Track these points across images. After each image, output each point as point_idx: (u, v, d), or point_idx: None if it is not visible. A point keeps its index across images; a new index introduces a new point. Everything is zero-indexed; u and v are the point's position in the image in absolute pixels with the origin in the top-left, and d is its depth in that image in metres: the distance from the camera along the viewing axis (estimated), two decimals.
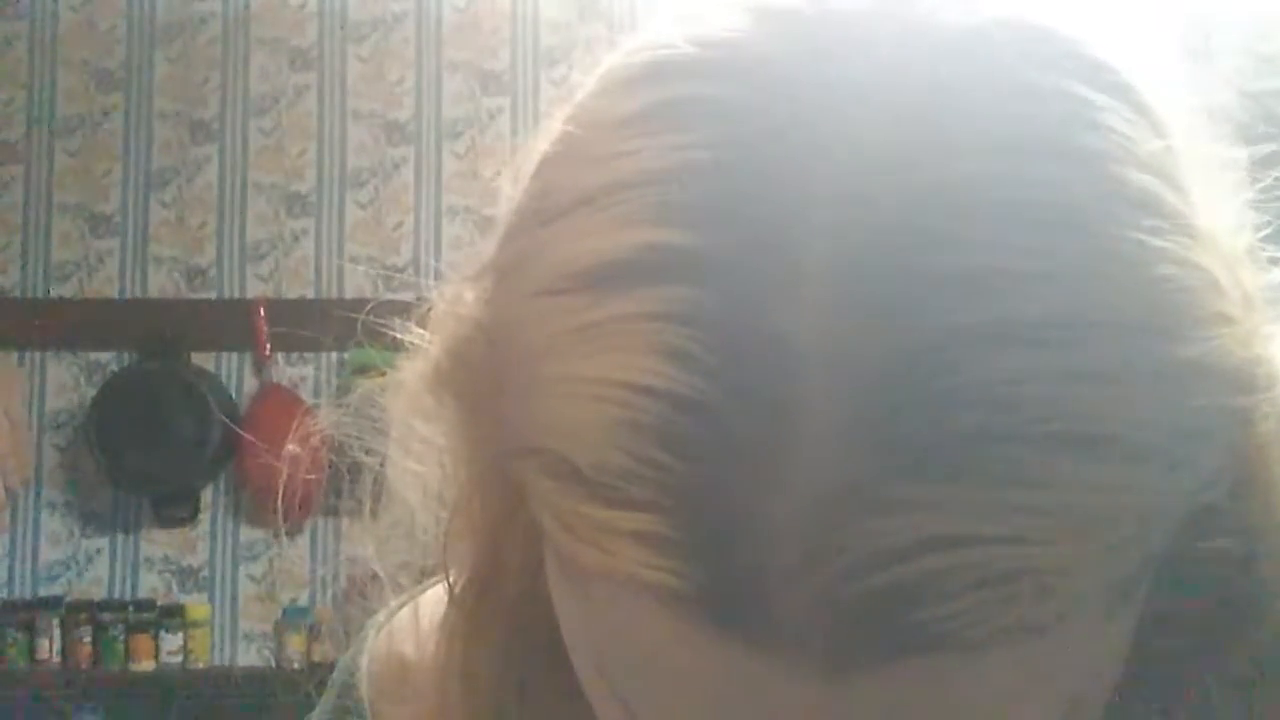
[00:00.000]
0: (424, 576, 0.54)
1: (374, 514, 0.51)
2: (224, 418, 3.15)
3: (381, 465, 0.49)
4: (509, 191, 0.41)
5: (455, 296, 0.44)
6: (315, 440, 0.52)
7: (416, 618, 0.56)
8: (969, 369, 0.32)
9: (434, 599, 0.54)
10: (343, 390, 3.18)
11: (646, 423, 0.33)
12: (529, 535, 0.41)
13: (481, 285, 0.42)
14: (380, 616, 0.58)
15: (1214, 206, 0.38)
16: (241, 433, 3.06)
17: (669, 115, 0.36)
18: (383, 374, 0.48)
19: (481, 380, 0.41)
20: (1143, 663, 0.40)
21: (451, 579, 0.49)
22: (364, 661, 0.58)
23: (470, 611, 0.48)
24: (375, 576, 0.55)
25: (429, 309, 0.46)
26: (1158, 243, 0.34)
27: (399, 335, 0.47)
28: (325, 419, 0.51)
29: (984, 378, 0.32)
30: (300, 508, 0.52)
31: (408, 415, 0.47)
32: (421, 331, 0.46)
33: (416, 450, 0.48)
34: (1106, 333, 0.33)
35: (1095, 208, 0.34)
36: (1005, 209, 0.33)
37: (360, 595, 0.57)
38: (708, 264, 0.34)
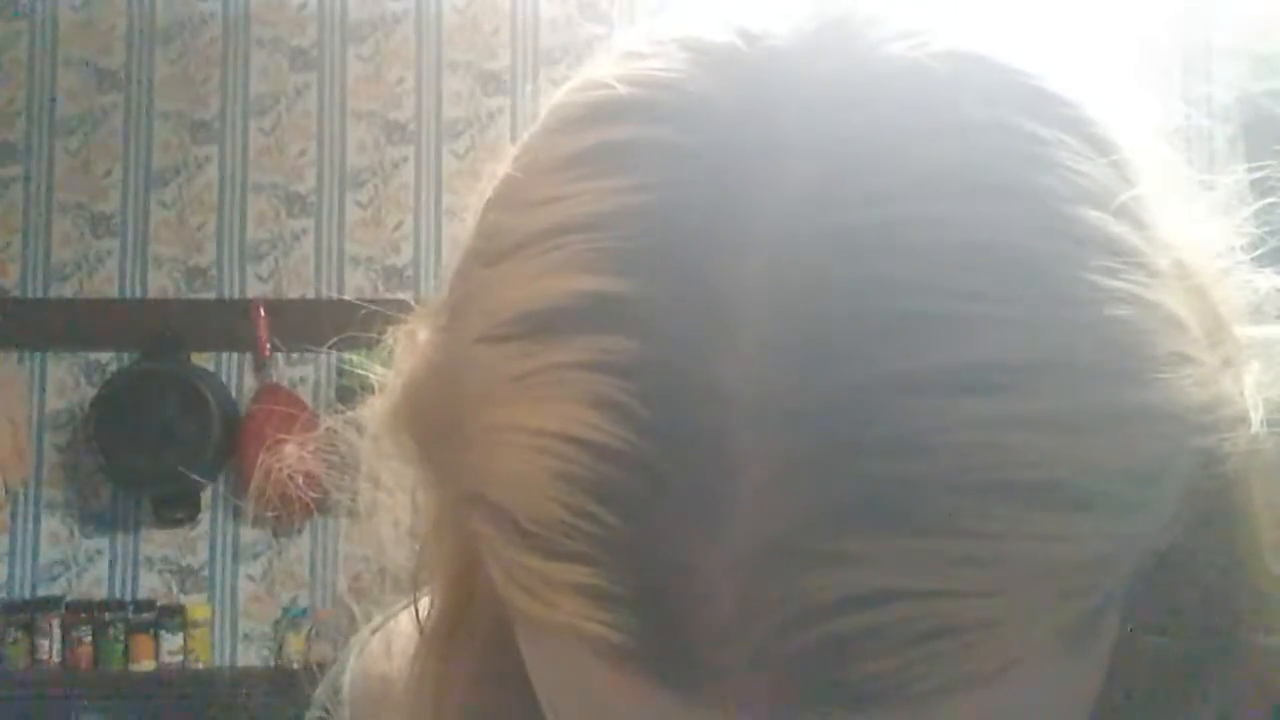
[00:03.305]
0: (403, 593, 0.54)
1: (349, 538, 0.50)
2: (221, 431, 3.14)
3: (353, 499, 0.48)
4: (468, 222, 0.41)
5: (411, 334, 0.44)
6: (297, 446, 0.52)
7: (389, 647, 0.56)
8: (905, 417, 0.31)
9: (405, 627, 0.54)
10: (344, 392, 3.17)
11: (581, 475, 0.33)
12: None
13: (435, 323, 0.41)
14: (361, 635, 0.58)
15: (1188, 231, 0.37)
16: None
17: (605, 159, 0.36)
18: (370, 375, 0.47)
19: (433, 424, 0.40)
20: (1122, 697, 0.39)
21: (422, 614, 0.49)
22: (344, 682, 0.58)
23: (441, 646, 0.48)
24: (365, 589, 0.55)
25: (390, 347, 0.45)
26: (1110, 283, 0.33)
27: (389, 346, 0.47)
28: (289, 454, 0.51)
29: (922, 426, 0.31)
30: (288, 506, 0.52)
31: (375, 455, 0.47)
32: (383, 370, 0.45)
33: (386, 484, 0.47)
34: (1052, 377, 0.32)
35: (1041, 248, 0.33)
36: (944, 251, 0.32)
37: (354, 597, 0.57)
38: (642, 313, 0.33)
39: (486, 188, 0.40)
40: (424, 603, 0.49)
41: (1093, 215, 0.34)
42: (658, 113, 0.35)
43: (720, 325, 0.32)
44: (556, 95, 0.40)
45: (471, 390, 0.37)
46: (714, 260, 0.33)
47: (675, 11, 0.39)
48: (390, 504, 0.48)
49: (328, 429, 0.49)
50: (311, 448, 0.50)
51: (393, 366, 0.45)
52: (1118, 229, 0.34)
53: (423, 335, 0.43)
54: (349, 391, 0.49)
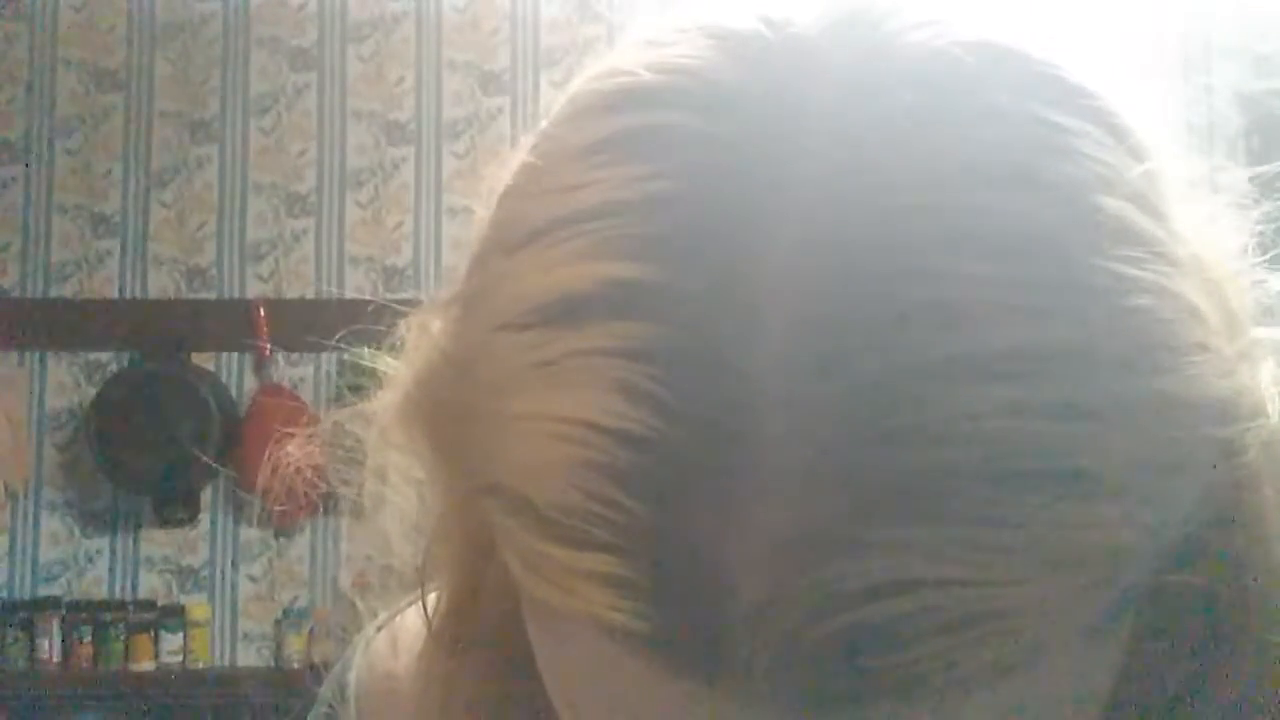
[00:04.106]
0: (407, 589, 0.54)
1: (352, 536, 0.50)
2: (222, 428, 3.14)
3: (358, 494, 0.48)
4: (480, 214, 0.41)
5: (424, 325, 0.43)
6: (304, 440, 0.52)
7: (395, 643, 0.56)
8: (932, 405, 0.31)
9: (411, 624, 0.54)
10: (346, 392, 3.17)
11: (604, 462, 0.33)
12: (507, 567, 0.40)
13: (449, 314, 0.41)
14: (366, 631, 0.58)
15: (1201, 228, 0.37)
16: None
17: (629, 145, 0.35)
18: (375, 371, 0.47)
19: (448, 414, 0.40)
20: (1131, 690, 0.39)
21: (429, 610, 0.48)
22: (350, 679, 0.58)
23: (448, 642, 0.48)
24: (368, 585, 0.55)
25: (400, 339, 0.45)
26: (1133, 272, 0.33)
27: (398, 339, 0.47)
28: (296, 449, 0.50)
29: (948, 414, 0.31)
30: (298, 509, 0.52)
31: (380, 447, 0.46)
32: (392, 361, 0.45)
33: (392, 479, 0.47)
34: (1076, 366, 0.32)
35: (1065, 237, 0.33)
36: (970, 239, 0.32)
37: (357, 593, 0.57)
38: (666, 299, 0.33)
39: (501, 178, 0.40)
40: (431, 598, 0.49)
41: (1116, 205, 0.34)
42: (682, 99, 0.35)
43: (746, 312, 0.32)
44: (575, 83, 0.39)
45: (489, 378, 0.36)
46: (739, 247, 0.33)
47: (682, 8, 0.38)
48: (397, 499, 0.47)
49: (335, 422, 0.49)
50: (318, 442, 0.50)
51: (402, 358, 0.44)
52: (1140, 219, 0.34)
53: (435, 326, 0.42)
54: (351, 391, 0.49)
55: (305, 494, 0.52)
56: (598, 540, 0.33)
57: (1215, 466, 0.35)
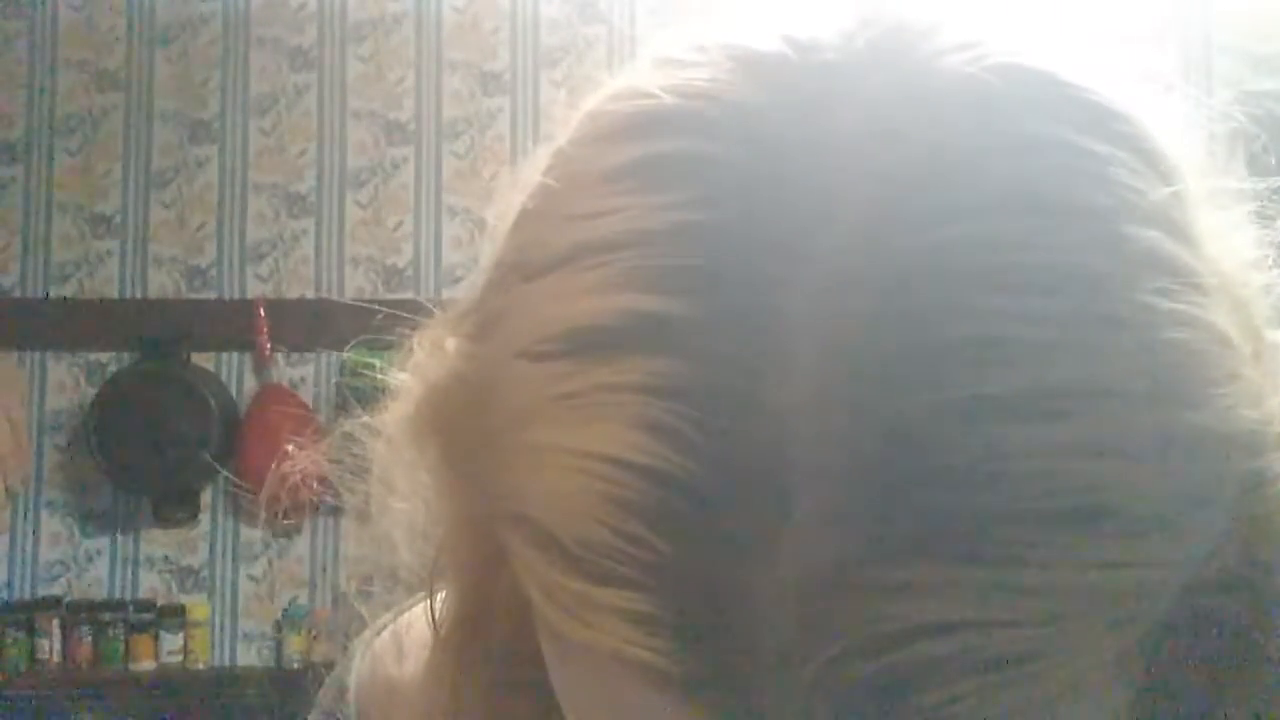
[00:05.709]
0: (409, 593, 0.53)
1: (354, 538, 0.50)
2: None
3: (365, 501, 0.48)
4: (491, 224, 0.40)
5: (436, 342, 0.43)
6: (310, 450, 0.51)
7: (400, 649, 0.55)
8: (964, 445, 0.31)
9: (417, 632, 0.53)
10: (343, 392, 3.16)
11: (630, 499, 0.32)
12: (517, 580, 0.39)
13: (463, 331, 0.40)
14: (365, 636, 0.57)
15: (1227, 246, 0.37)
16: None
17: (652, 172, 0.34)
18: (377, 376, 0.47)
19: (462, 435, 0.39)
20: (1150, 713, 0.39)
21: (437, 619, 0.48)
22: (350, 682, 0.57)
23: (456, 652, 0.47)
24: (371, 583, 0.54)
25: (409, 351, 0.44)
26: (1166, 304, 0.33)
27: (397, 337, 0.46)
28: (303, 459, 0.50)
29: (980, 454, 0.31)
30: (297, 509, 0.52)
31: (389, 459, 0.46)
32: (401, 374, 0.44)
33: (400, 488, 0.46)
34: (1109, 403, 0.32)
35: (1099, 270, 0.32)
36: (1002, 274, 0.32)
37: (359, 598, 0.57)
38: (693, 335, 0.32)
39: (513, 192, 0.39)
40: (437, 603, 0.48)
41: (1149, 235, 0.34)
42: (707, 126, 0.34)
43: (774, 348, 0.32)
44: (591, 102, 0.38)
45: (509, 406, 0.36)
46: (769, 281, 0.32)
47: (697, 22, 0.37)
48: (403, 506, 0.47)
49: (343, 434, 0.48)
50: (324, 450, 0.49)
51: (412, 372, 0.44)
52: (1172, 248, 0.34)
53: (449, 343, 0.41)
54: (355, 392, 0.49)
55: (309, 501, 0.51)
56: (624, 576, 0.32)
57: (1244, 498, 0.34)
